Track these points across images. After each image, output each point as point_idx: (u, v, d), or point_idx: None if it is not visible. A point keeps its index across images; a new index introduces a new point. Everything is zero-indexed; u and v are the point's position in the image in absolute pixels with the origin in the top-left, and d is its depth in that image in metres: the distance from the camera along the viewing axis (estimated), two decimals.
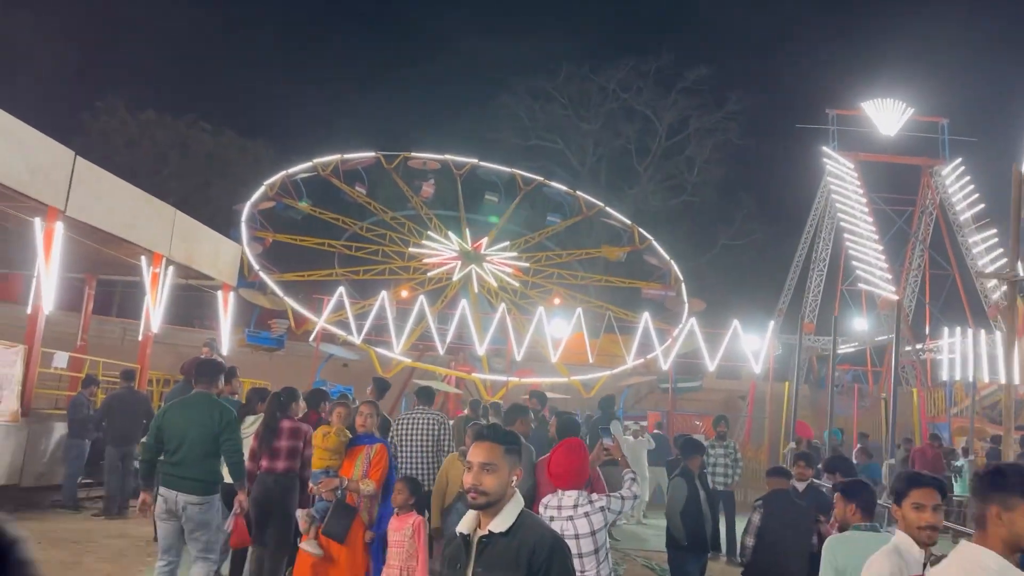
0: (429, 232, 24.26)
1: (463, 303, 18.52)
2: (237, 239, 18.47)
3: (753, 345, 18.85)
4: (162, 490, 5.67)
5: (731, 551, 10.24)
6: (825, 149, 28.06)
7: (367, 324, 17.91)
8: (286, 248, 24.10)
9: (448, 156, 24.62)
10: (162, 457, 5.80)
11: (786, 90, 48.63)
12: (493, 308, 19.50)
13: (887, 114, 28.35)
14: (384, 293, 17.92)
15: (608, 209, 25.64)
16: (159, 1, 49.50)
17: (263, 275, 19.10)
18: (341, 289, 18.12)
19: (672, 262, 23.95)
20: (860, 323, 27.98)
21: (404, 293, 22.04)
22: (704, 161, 43.43)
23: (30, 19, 38.54)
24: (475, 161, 24.78)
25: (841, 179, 26.99)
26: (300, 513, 5.94)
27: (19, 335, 10.97)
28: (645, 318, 18.49)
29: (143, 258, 13.29)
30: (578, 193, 25.92)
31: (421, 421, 7.72)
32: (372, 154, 24.04)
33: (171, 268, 13.85)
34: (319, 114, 48.76)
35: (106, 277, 17.07)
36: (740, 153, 43.82)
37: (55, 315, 19.79)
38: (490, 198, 24.60)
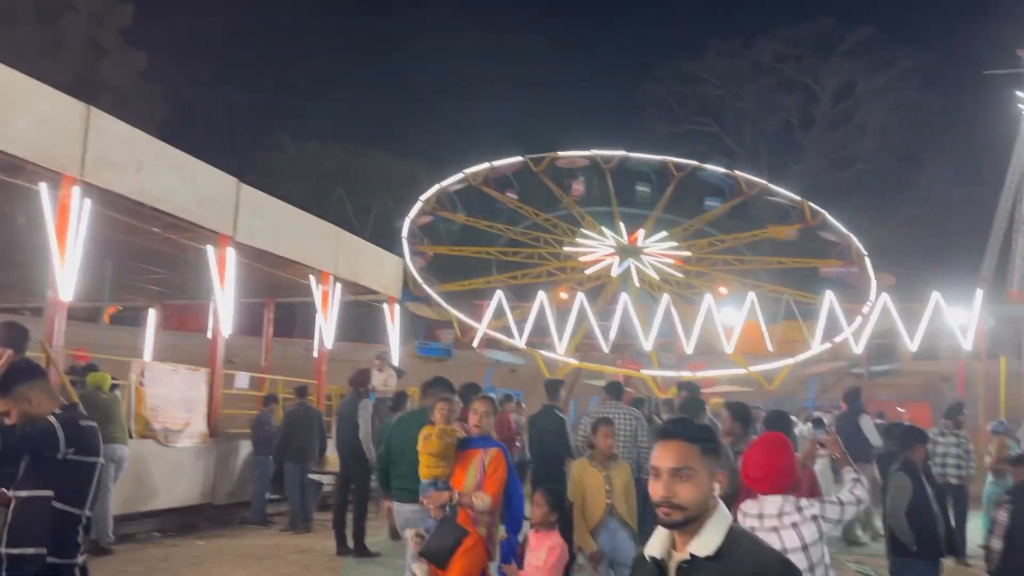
0: (582, 230, 23.84)
1: (624, 298, 17.82)
2: (400, 255, 18.92)
3: (958, 319, 16.75)
4: (396, 505, 5.82)
5: (962, 553, 8.90)
6: (1021, 95, 24.79)
7: (527, 327, 17.66)
8: (445, 259, 24.49)
9: (595, 151, 24.09)
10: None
11: (965, 38, 43.73)
12: (656, 301, 18.68)
13: None
14: (542, 294, 17.58)
15: (772, 186, 24.08)
16: (309, 38, 52.42)
17: (427, 288, 19.47)
18: (499, 293, 17.99)
19: (852, 236, 22.03)
20: None
21: (563, 295, 21.71)
22: (877, 126, 40.10)
23: (202, 70, 41.92)
24: (623, 153, 24.09)
25: None
26: (409, 532, 5.14)
27: (206, 362, 11.50)
28: (829, 298, 16.93)
29: (312, 277, 13.64)
30: (737, 173, 24.55)
31: (615, 417, 7.37)
32: (519, 158, 23.96)
33: (339, 285, 14.16)
34: (468, 125, 49.59)
35: (283, 300, 17.79)
36: (917, 113, 40.01)
37: (241, 340, 21.11)
38: (642, 189, 23.87)
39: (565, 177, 24.67)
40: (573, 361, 18.19)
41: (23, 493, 3.09)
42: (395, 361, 15.49)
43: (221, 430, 11.18)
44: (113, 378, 9.23)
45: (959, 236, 33.98)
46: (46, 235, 8.24)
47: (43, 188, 8.18)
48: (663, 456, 2.15)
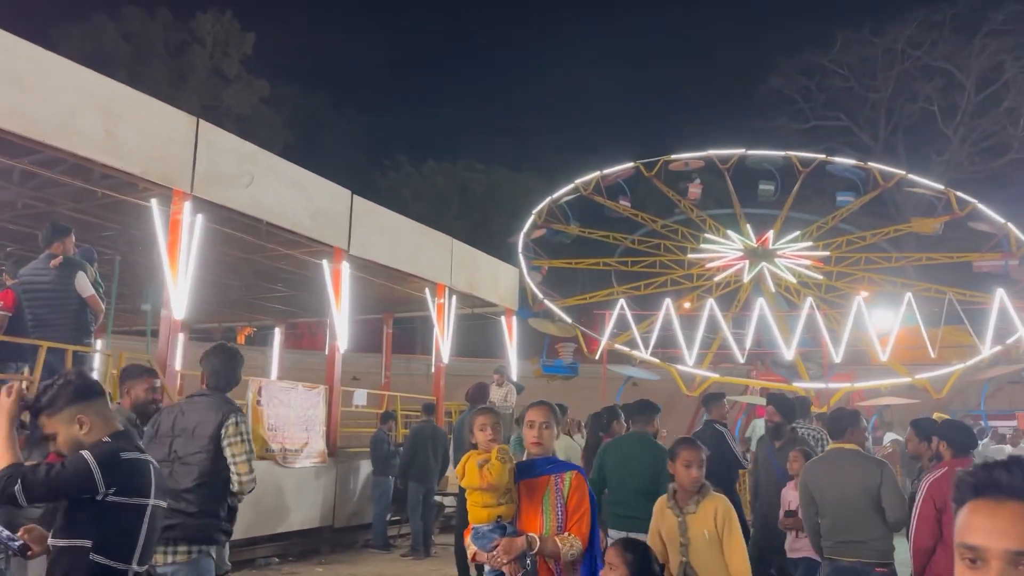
0: (706, 235, 22.62)
1: (760, 304, 16.45)
2: (516, 267, 18.53)
3: None
4: (612, 532, 5.51)
5: None
6: None
7: (652, 338, 16.61)
8: (563, 273, 23.85)
9: (711, 151, 22.87)
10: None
11: None
12: (794, 306, 17.20)
13: None
14: (668, 301, 16.50)
15: (912, 177, 22.15)
16: (420, 60, 53.36)
17: (548, 303, 18.94)
18: (621, 303, 17.03)
19: (1009, 224, 19.85)
20: None
21: (687, 304, 20.56)
22: None
23: (321, 95, 43.26)
24: (742, 151, 22.76)
25: None
26: None
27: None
28: (999, 295, 15.01)
29: (427, 290, 13.24)
30: (871, 164, 22.77)
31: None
32: (631, 164, 23.10)
33: (454, 298, 13.71)
34: (582, 135, 49.01)
35: (401, 315, 17.57)
36: None
37: (366, 359, 21.16)
38: (765, 187, 22.50)
39: (680, 180, 23.61)
40: (713, 375, 16.81)
41: (60, 542, 2.54)
42: (514, 375, 14.89)
43: (340, 449, 10.84)
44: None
45: None
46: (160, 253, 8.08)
47: (154, 204, 8.03)
48: (990, 529, 1.23)
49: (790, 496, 5.77)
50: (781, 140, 32.62)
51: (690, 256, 22.40)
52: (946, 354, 15.98)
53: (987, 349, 15.40)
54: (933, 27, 38.06)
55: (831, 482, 4.88)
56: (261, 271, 12.85)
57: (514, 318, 15.93)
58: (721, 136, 28.25)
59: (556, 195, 22.52)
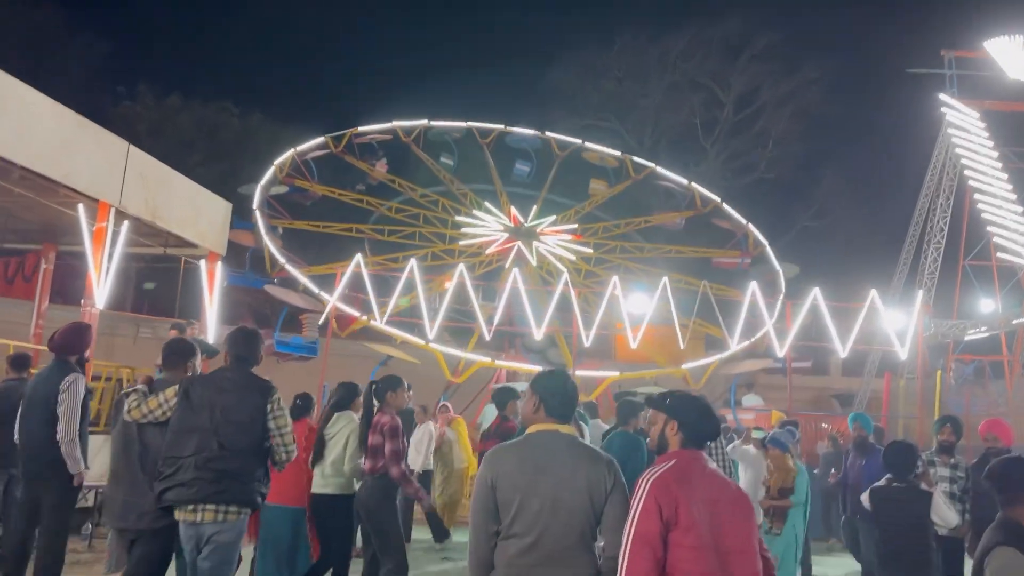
0: (471, 210, 21.04)
1: (514, 275, 14.77)
2: (252, 228, 15.99)
3: (895, 324, 14.60)
4: None
5: None
6: (943, 97, 23.37)
7: (391, 304, 14.37)
8: (303, 236, 21.04)
9: (396, 123, 21.25)
10: None
11: (879, 47, 42.61)
12: (550, 282, 15.92)
13: (1016, 55, 23.66)
14: (413, 262, 14.30)
15: (660, 170, 22.24)
16: None
17: (291, 269, 16.26)
18: (357, 258, 14.57)
19: (749, 224, 20.46)
20: (987, 304, 23.46)
21: (447, 284, 18.70)
22: (780, 134, 39.00)
23: (58, 10, 36.27)
24: (425, 123, 21.44)
25: (965, 131, 22.41)
26: None
27: None
28: (752, 288, 14.43)
29: (81, 207, 9.80)
30: (548, 134, 22.44)
31: None
32: (388, 125, 21.16)
33: (126, 224, 10.38)
34: (355, 86, 45.69)
35: (73, 248, 13.69)
36: (823, 123, 39.27)
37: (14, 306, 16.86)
38: (445, 161, 21.83)
39: (366, 155, 21.82)
40: (484, 359, 14.82)
41: None
42: (211, 339, 11.84)
43: None
44: None
45: (860, 249, 33.08)
46: None
47: None
48: None
49: None
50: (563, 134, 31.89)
51: (460, 231, 20.71)
52: (696, 346, 15.31)
53: (735, 344, 14.86)
54: (703, 43, 39.63)
55: (536, 482, 2.91)
56: None
57: (218, 265, 12.79)
58: (515, 120, 26.75)
59: (302, 147, 19.71)
